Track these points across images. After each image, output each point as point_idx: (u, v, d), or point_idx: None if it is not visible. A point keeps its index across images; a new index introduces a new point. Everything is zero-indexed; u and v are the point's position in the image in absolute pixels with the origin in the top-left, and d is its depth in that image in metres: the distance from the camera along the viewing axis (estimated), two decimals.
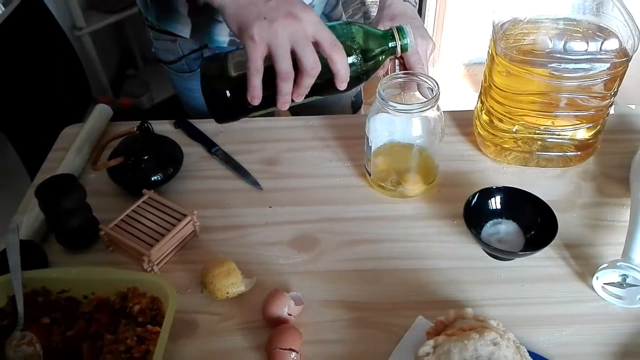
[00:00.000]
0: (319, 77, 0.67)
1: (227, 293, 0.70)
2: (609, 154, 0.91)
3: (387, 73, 0.81)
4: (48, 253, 0.78)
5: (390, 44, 0.74)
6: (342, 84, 0.67)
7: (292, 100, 0.69)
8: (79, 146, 0.93)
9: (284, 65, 0.64)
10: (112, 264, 0.77)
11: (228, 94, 0.71)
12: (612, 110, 0.97)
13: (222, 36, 0.98)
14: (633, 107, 1.01)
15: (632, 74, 0.98)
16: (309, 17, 0.65)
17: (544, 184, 0.87)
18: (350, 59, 0.70)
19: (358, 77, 0.72)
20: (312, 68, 0.64)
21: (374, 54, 0.73)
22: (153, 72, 2.40)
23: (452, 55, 2.82)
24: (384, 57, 0.75)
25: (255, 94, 0.66)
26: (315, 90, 0.69)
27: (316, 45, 0.66)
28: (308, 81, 0.66)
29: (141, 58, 2.51)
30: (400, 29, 0.74)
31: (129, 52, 2.49)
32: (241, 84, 0.67)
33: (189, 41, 1.01)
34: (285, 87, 0.66)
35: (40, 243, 0.80)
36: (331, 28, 0.69)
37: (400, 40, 0.74)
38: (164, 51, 1.06)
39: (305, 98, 0.70)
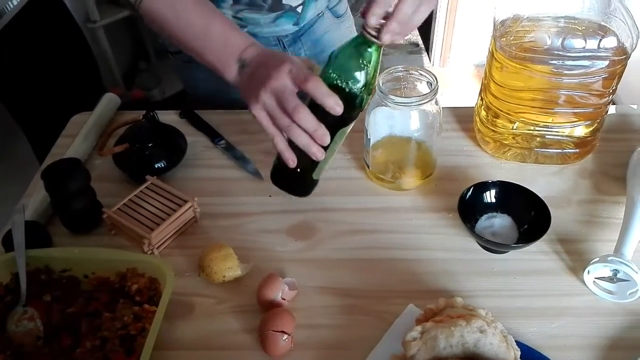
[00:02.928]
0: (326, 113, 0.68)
1: (224, 277, 0.72)
2: (607, 153, 0.92)
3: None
4: (52, 235, 0.80)
5: (369, 50, 0.68)
6: (332, 109, 0.67)
7: (325, 147, 0.70)
8: (87, 133, 0.96)
9: (283, 122, 0.69)
10: (113, 247, 0.79)
11: (285, 169, 0.74)
12: (612, 109, 0.98)
13: None
14: (635, 107, 1.01)
15: (635, 73, 0.98)
16: (281, 70, 0.69)
17: (542, 180, 0.87)
18: (343, 83, 0.68)
19: (364, 89, 0.69)
20: (294, 110, 0.67)
21: (361, 65, 0.68)
22: (165, 66, 2.43)
23: (462, 55, 2.82)
24: (372, 59, 0.68)
25: (287, 156, 0.71)
26: (333, 125, 0.70)
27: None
28: (302, 122, 0.68)
29: (153, 52, 2.54)
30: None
31: (141, 45, 2.53)
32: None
33: None
34: (298, 138, 0.69)
35: (46, 224, 0.82)
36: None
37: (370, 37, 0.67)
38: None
39: (335, 136, 0.71)
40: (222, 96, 1.13)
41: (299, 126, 0.68)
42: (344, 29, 1.16)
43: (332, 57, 0.69)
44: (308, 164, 0.73)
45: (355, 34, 1.16)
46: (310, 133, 0.68)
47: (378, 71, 0.70)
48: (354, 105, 0.69)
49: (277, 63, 0.71)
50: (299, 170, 0.74)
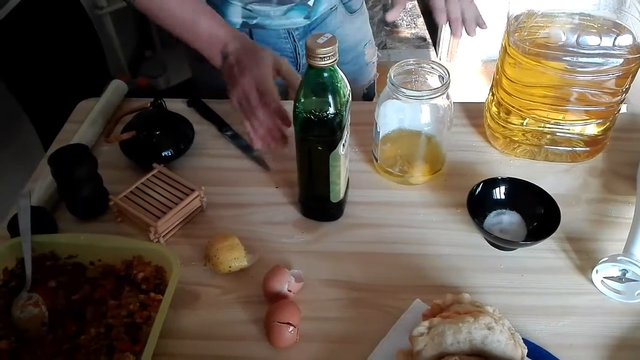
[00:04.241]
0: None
1: (230, 267, 0.72)
2: (618, 152, 0.91)
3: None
4: (58, 221, 0.80)
5: (324, 75, 0.67)
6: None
7: (325, 173, 0.75)
8: (94, 119, 0.95)
9: (249, 112, 0.82)
10: (120, 235, 0.79)
11: (307, 202, 0.82)
12: (624, 109, 0.97)
13: (235, 17, 1.00)
14: None
15: None
16: (248, 76, 0.81)
17: (551, 178, 0.87)
18: (317, 114, 0.68)
19: (337, 111, 0.69)
20: (255, 108, 0.81)
21: (324, 92, 0.68)
22: (170, 54, 2.42)
23: (470, 51, 2.81)
24: (331, 82, 0.68)
25: (251, 138, 0.84)
26: (322, 151, 0.72)
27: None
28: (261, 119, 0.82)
29: (159, 40, 2.53)
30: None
31: (147, 33, 2.51)
32: None
33: None
34: (258, 130, 0.83)
35: (51, 211, 0.82)
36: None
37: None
38: None
39: (330, 160, 0.72)
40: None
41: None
42: (358, 24, 1.15)
43: (297, 95, 0.69)
44: (324, 190, 0.76)
45: (369, 30, 1.15)
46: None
47: (346, 87, 0.70)
48: (333, 128, 0.69)
49: (251, 64, 0.82)
50: (317, 198, 0.79)
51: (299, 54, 1.07)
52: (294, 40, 1.05)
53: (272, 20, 1.01)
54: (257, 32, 1.02)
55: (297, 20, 1.02)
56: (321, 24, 1.07)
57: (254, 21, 1.01)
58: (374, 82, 1.27)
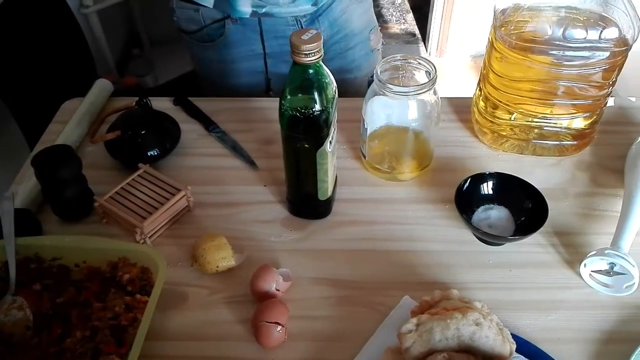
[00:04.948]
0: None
1: (217, 267, 0.71)
2: (605, 145, 0.91)
3: None
4: (43, 223, 0.79)
5: (309, 71, 0.66)
6: None
7: (312, 171, 0.73)
8: (78, 119, 0.94)
9: None
10: (105, 236, 0.78)
11: (295, 200, 0.81)
12: (611, 102, 0.97)
13: (245, 6, 1.00)
14: (633, 99, 1.00)
15: (635, 66, 0.97)
16: None
17: (539, 172, 0.87)
18: (302, 111, 0.68)
19: (324, 108, 0.68)
20: None
21: (310, 90, 0.67)
22: (158, 52, 2.41)
23: (459, 46, 2.81)
24: (316, 78, 0.67)
25: None
26: (309, 148, 0.71)
27: None
28: None
29: (147, 38, 2.51)
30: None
31: (135, 31, 2.50)
32: None
33: (212, 11, 1.03)
34: None
35: (36, 213, 0.81)
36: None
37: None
38: (186, 21, 1.08)
39: (316, 157, 0.71)
40: (233, 79, 1.13)
41: None
42: (362, 10, 1.15)
43: (282, 92, 0.68)
44: (311, 188, 0.76)
45: (374, 16, 1.14)
46: None
47: (332, 83, 0.69)
48: (320, 125, 0.69)
49: None
50: (305, 197, 0.78)
51: None
52: (301, 26, 1.06)
53: (280, 8, 1.02)
54: (266, 20, 1.03)
55: (304, 7, 1.03)
56: (327, 9, 1.08)
57: (263, 10, 1.01)
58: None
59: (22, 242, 0.69)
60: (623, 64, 0.80)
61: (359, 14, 1.14)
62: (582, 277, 0.72)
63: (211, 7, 1.02)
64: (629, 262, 0.68)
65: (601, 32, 0.76)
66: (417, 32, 3.05)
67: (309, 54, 0.63)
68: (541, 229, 0.73)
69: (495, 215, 0.78)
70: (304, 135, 0.70)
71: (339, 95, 0.72)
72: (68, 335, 0.63)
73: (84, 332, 0.63)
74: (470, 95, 0.97)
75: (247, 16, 1.02)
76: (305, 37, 0.63)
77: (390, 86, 0.77)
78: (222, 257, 0.71)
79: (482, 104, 0.90)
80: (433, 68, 0.78)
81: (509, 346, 0.59)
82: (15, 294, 0.66)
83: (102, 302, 0.65)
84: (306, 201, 0.79)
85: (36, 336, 0.64)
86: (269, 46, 1.07)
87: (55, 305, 0.66)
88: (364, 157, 0.87)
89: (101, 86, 1.02)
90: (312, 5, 1.03)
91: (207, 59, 1.13)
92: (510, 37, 0.80)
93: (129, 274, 0.67)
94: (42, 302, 0.67)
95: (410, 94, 0.77)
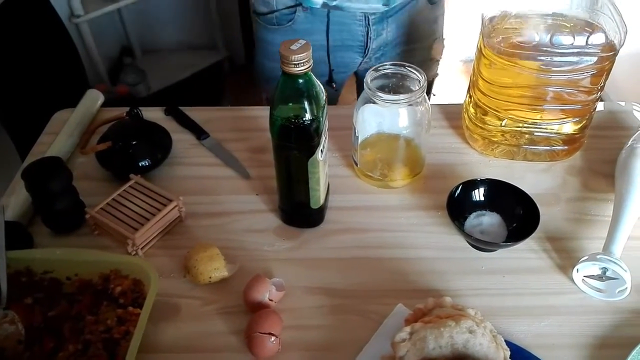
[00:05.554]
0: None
1: (210, 278, 0.71)
2: (596, 150, 0.92)
3: None
4: (34, 235, 0.78)
5: (300, 81, 0.66)
6: None
7: (304, 179, 0.73)
8: (69, 130, 0.94)
9: None
10: (97, 248, 0.77)
11: (289, 209, 0.81)
12: (600, 106, 0.98)
13: None
14: (623, 104, 1.01)
15: (624, 70, 0.98)
16: None
17: (531, 177, 0.87)
18: (292, 121, 0.68)
19: (314, 117, 0.68)
20: None
21: (300, 99, 0.68)
22: (150, 61, 2.40)
23: (450, 51, 2.82)
24: (306, 88, 0.67)
25: None
26: (300, 158, 0.71)
27: None
28: None
29: (139, 47, 2.51)
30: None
31: (126, 40, 2.49)
32: None
33: None
34: None
35: (27, 225, 0.80)
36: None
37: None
38: (260, 2, 1.09)
39: (308, 167, 0.72)
40: None
41: None
42: (434, 17, 1.16)
43: (272, 102, 0.69)
44: (303, 197, 0.76)
45: (442, 26, 1.14)
46: None
47: (322, 92, 0.69)
48: (311, 134, 0.69)
49: None
50: (297, 205, 0.78)
51: (370, 38, 1.08)
52: (368, 24, 1.06)
53: (350, 3, 1.02)
54: (335, 13, 1.04)
55: (375, 5, 1.03)
56: (399, 11, 1.08)
57: (334, 2, 1.02)
58: (432, 81, 1.27)
59: (12, 256, 0.69)
60: (611, 69, 0.81)
61: (430, 20, 1.15)
62: (574, 283, 0.72)
63: None
64: (621, 267, 0.68)
65: (588, 37, 0.77)
66: None
67: (298, 64, 0.64)
68: (533, 234, 0.73)
69: (487, 221, 0.79)
70: (295, 145, 0.70)
71: None
72: (60, 349, 0.63)
73: (77, 346, 0.62)
74: (461, 100, 0.98)
75: (318, 6, 1.03)
76: (294, 47, 0.64)
77: (380, 94, 0.77)
78: (215, 268, 0.71)
79: (472, 110, 0.90)
80: (422, 76, 0.79)
81: (503, 353, 0.59)
82: (6, 308, 0.66)
83: (94, 315, 0.65)
84: (298, 210, 0.79)
85: (28, 350, 0.63)
86: (332, 39, 1.08)
87: (47, 318, 0.66)
88: (356, 164, 0.87)
89: (92, 97, 1.02)
90: (383, 5, 1.03)
91: (269, 42, 1.14)
92: (499, 44, 0.80)
93: (121, 287, 0.67)
94: (33, 316, 0.66)
95: (401, 102, 0.77)
